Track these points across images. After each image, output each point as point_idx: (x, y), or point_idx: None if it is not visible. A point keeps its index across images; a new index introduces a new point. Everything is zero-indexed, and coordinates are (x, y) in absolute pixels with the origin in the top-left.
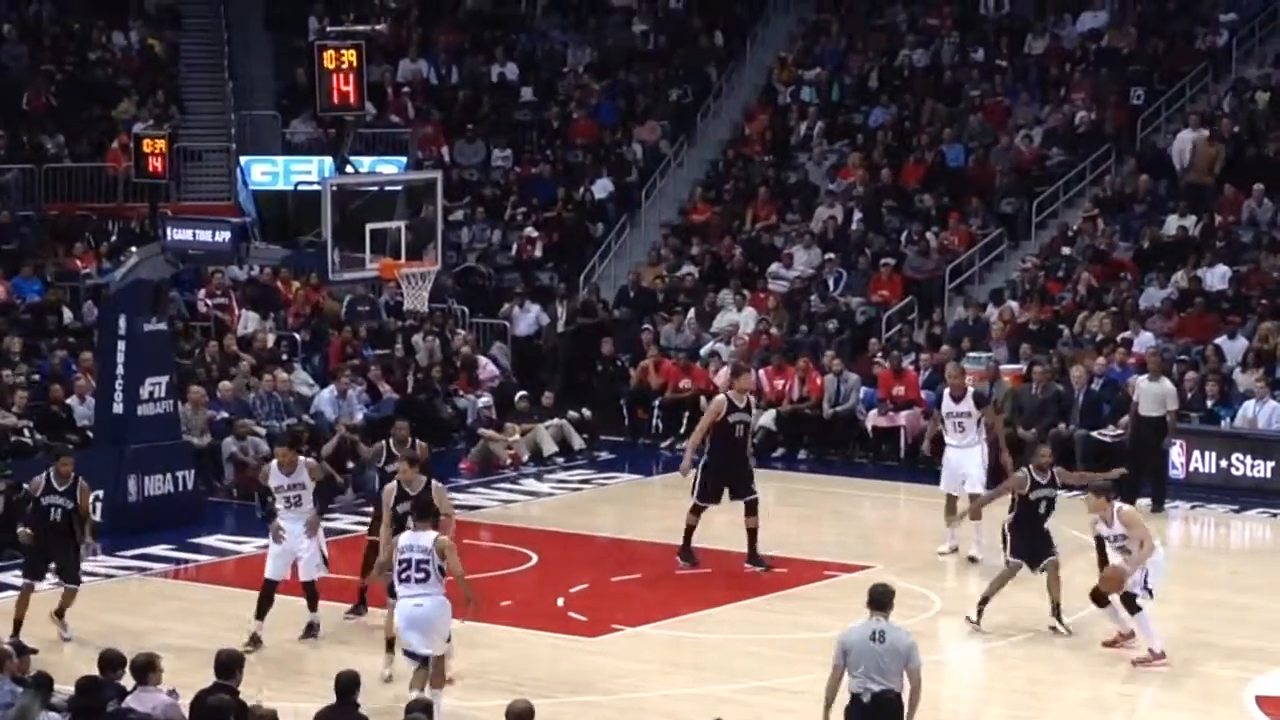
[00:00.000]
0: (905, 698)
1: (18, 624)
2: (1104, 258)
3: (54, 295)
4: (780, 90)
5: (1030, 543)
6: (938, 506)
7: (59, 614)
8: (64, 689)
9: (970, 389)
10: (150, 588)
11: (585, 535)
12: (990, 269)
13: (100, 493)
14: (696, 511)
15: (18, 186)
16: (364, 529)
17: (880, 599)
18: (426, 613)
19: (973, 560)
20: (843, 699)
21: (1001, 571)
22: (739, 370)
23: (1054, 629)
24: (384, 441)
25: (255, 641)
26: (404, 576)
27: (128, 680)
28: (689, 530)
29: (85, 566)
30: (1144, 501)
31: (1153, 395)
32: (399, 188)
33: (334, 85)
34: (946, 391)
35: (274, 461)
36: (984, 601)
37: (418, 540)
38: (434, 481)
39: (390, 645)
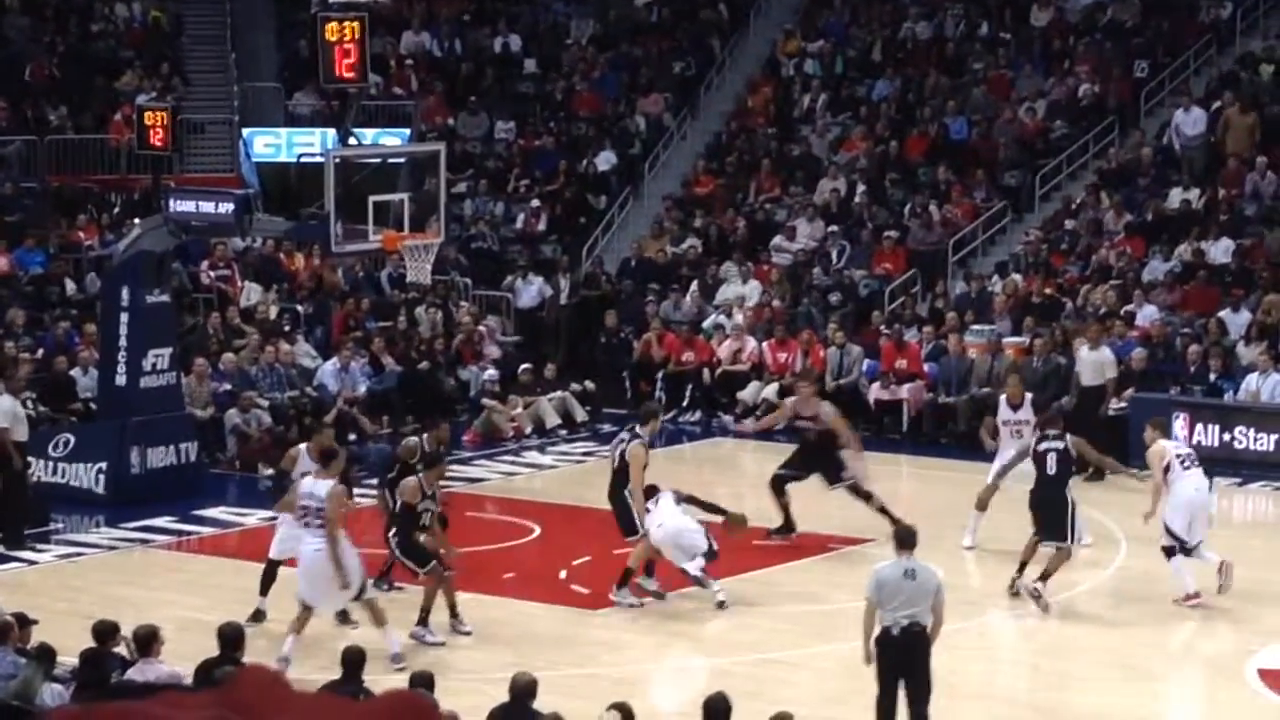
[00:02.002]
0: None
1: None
2: (1105, 230)
3: (57, 267)
4: (784, 63)
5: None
6: (939, 479)
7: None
8: (66, 660)
9: (1029, 395)
10: (153, 559)
11: (588, 508)
12: (993, 242)
13: (103, 464)
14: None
15: (20, 158)
16: (367, 500)
17: (908, 539)
18: (325, 558)
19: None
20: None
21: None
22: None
23: (1032, 593)
24: (418, 439)
25: (258, 616)
26: (305, 522)
27: (122, 649)
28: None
29: (90, 538)
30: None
31: (1093, 364)
32: (402, 160)
33: (337, 57)
34: (1003, 399)
35: (304, 446)
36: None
37: (317, 488)
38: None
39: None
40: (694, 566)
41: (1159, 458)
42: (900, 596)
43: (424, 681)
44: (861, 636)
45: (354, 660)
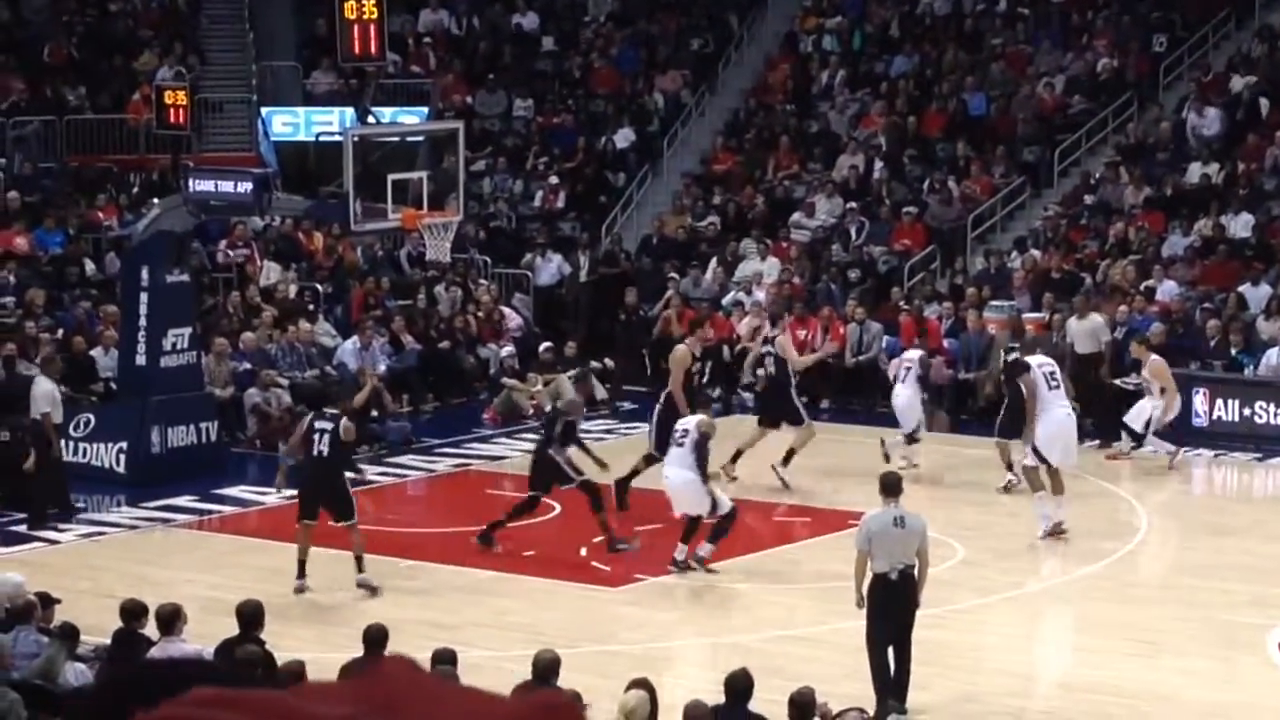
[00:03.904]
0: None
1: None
2: (1125, 205)
3: (76, 247)
4: (802, 39)
5: None
6: (959, 455)
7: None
8: (89, 640)
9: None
10: (174, 539)
11: (608, 485)
12: (1012, 217)
13: (124, 444)
14: None
15: (39, 138)
16: (389, 478)
17: (893, 486)
18: None
19: None
20: None
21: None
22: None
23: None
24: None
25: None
26: None
27: (150, 629)
28: None
29: (112, 518)
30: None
31: (1085, 333)
32: (421, 138)
33: (355, 35)
34: None
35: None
36: None
37: None
38: None
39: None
40: None
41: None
42: (892, 544)
43: (446, 658)
44: (854, 583)
45: (375, 639)
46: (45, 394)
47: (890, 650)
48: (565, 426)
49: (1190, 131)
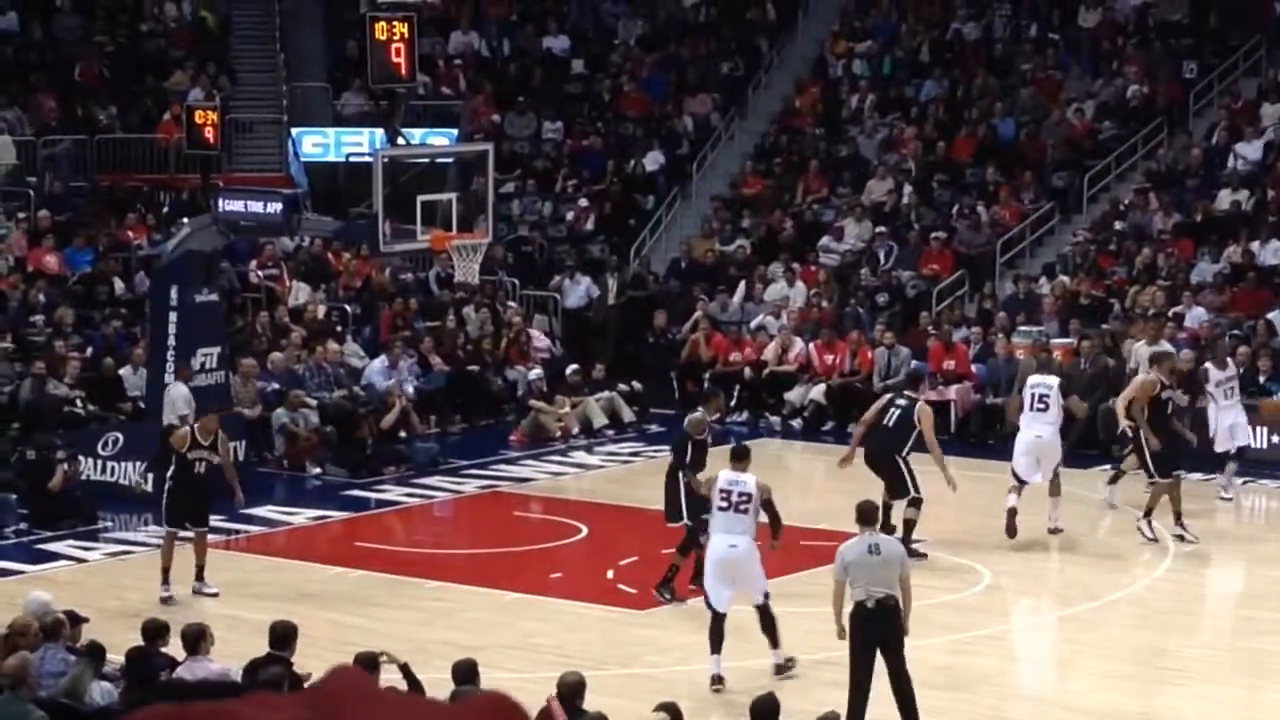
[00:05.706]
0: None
1: (165, 572)
2: (1155, 231)
3: (106, 266)
4: (831, 63)
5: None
6: (986, 480)
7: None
8: (116, 659)
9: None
10: None
11: (635, 508)
12: (1041, 243)
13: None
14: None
15: (70, 157)
16: (416, 499)
17: (868, 515)
18: None
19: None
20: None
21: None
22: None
23: (1181, 537)
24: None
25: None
26: None
27: (173, 648)
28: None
29: (139, 536)
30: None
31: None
32: (450, 160)
33: (386, 57)
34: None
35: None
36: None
37: None
38: None
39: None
40: None
41: None
42: (867, 572)
43: (467, 668)
44: (833, 613)
45: (364, 663)
46: (182, 397)
47: (890, 683)
48: (695, 448)
49: (1234, 155)
